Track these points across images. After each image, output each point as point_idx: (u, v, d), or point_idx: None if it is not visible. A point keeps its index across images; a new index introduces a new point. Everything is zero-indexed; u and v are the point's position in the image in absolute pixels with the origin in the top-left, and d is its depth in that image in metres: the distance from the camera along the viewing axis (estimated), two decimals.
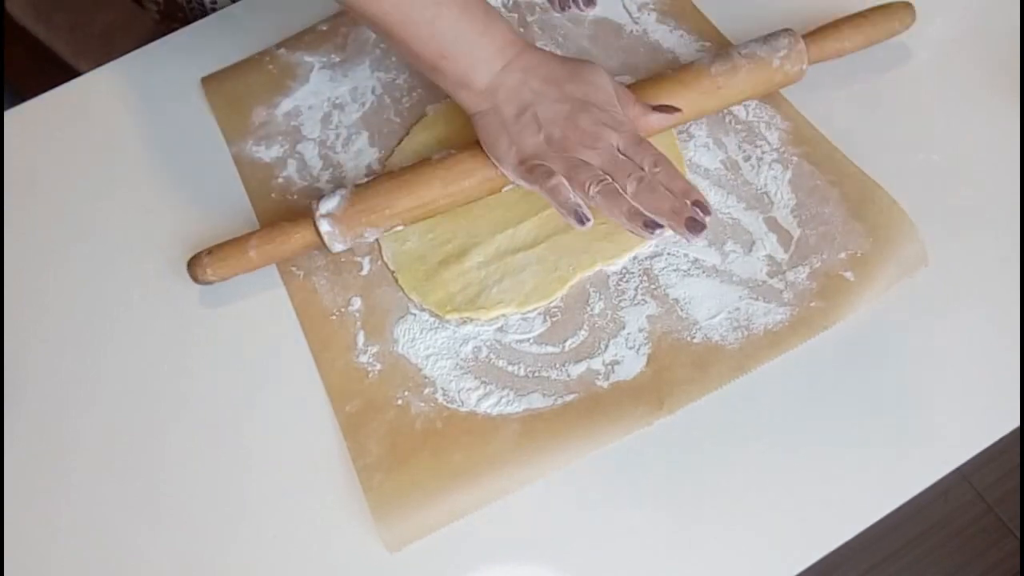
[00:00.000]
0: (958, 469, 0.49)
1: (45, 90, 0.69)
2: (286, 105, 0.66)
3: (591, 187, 0.50)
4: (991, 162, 0.58)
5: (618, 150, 0.52)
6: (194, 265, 0.56)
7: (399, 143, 0.63)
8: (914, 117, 0.60)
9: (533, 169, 0.52)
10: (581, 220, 0.50)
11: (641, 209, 0.49)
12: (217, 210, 0.62)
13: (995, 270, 0.54)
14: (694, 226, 0.48)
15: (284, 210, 0.61)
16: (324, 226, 0.55)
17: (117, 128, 0.67)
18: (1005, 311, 0.53)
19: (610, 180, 0.50)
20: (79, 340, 0.58)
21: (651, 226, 0.49)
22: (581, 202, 0.51)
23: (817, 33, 0.60)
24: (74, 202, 0.64)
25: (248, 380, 0.56)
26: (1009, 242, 0.55)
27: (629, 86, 0.58)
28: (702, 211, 0.49)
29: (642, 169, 0.51)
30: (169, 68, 0.69)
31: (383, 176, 0.57)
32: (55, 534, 0.52)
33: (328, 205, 0.55)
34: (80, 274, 0.61)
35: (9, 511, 0.53)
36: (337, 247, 0.56)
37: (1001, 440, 0.50)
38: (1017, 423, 0.50)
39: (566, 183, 0.51)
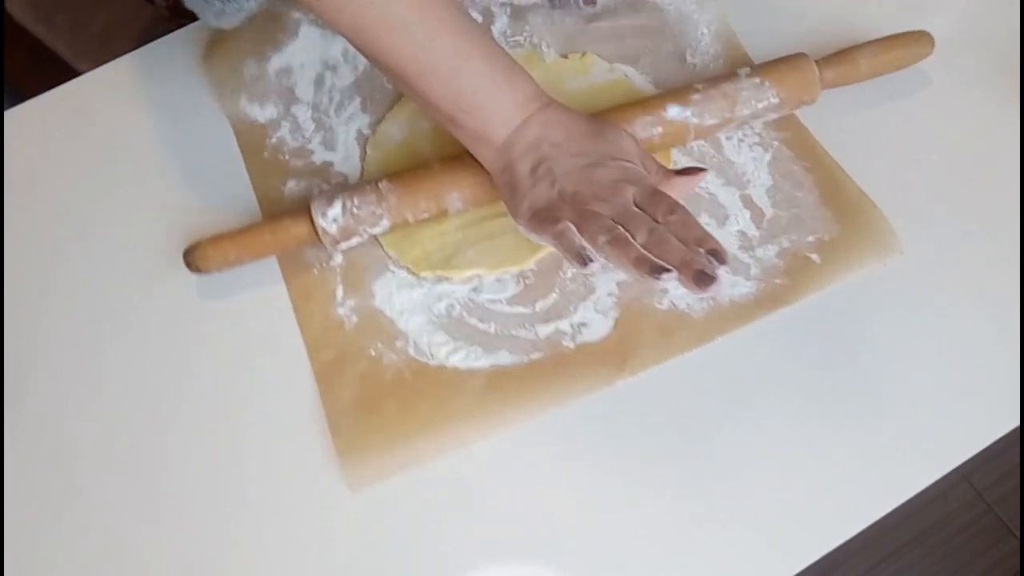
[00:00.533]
0: (958, 469, 0.49)
1: (45, 90, 0.69)
2: (277, 61, 0.66)
3: (600, 237, 0.46)
4: (990, 162, 0.58)
5: (634, 203, 0.48)
6: (194, 255, 0.56)
7: (390, 109, 0.64)
8: (913, 116, 0.60)
9: (543, 220, 0.50)
10: (584, 262, 0.46)
11: (648, 255, 0.45)
12: (219, 209, 0.62)
13: (995, 270, 0.55)
14: (701, 279, 0.43)
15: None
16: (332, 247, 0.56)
17: (117, 128, 0.67)
18: (1005, 311, 0.53)
19: (621, 229, 0.47)
20: (79, 340, 0.58)
21: (657, 270, 0.44)
22: (587, 245, 0.47)
23: (833, 63, 0.58)
24: (74, 202, 0.64)
25: (249, 377, 0.56)
26: (1009, 242, 0.55)
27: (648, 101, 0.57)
28: (717, 260, 0.45)
29: (656, 220, 0.47)
30: (169, 68, 0.69)
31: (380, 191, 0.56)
32: (55, 534, 0.52)
33: (330, 215, 0.55)
34: (80, 274, 0.61)
35: (9, 511, 0.53)
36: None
37: (1001, 440, 0.50)
38: (1017, 423, 0.50)
39: (573, 229, 0.48)
